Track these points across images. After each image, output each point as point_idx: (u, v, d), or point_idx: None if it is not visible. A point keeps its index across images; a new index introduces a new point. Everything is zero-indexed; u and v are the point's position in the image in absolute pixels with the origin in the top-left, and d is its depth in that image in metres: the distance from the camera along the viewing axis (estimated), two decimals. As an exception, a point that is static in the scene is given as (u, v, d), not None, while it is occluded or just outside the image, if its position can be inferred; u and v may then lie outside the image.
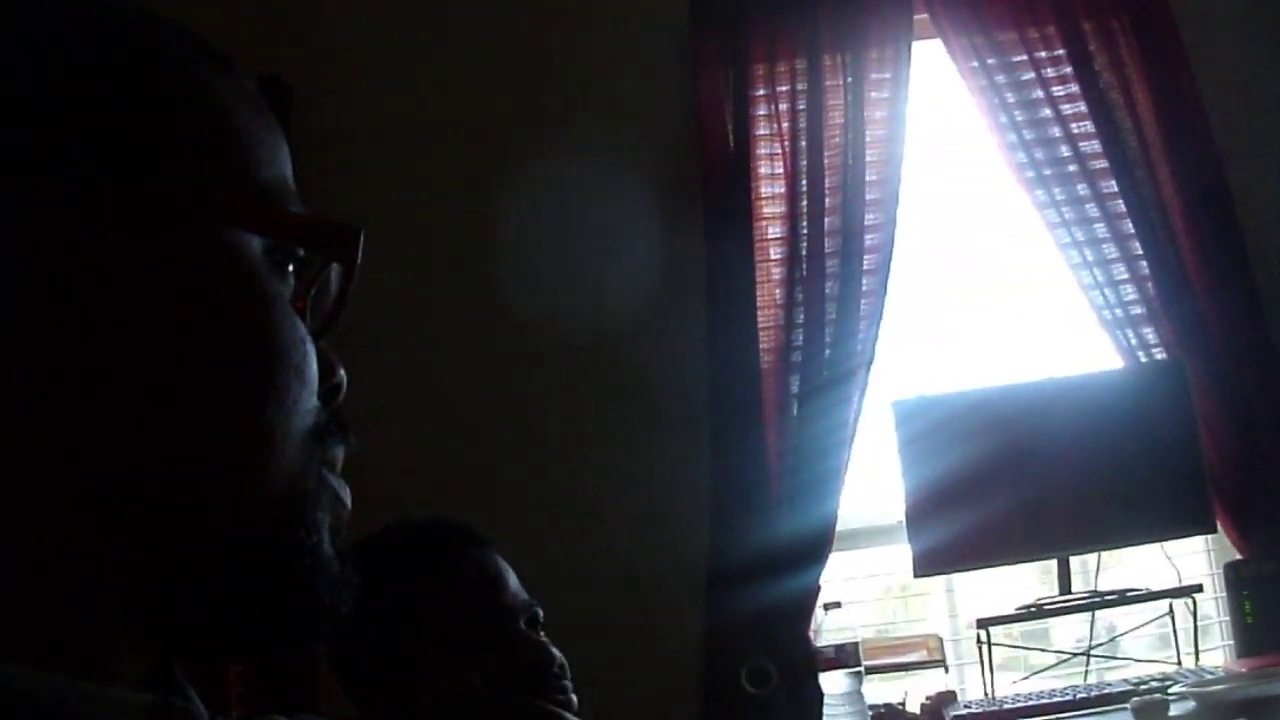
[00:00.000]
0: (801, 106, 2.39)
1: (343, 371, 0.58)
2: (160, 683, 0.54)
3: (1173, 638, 2.32)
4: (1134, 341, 2.47)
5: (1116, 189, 2.46)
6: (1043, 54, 2.54)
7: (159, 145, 0.51)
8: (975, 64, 2.50)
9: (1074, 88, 2.52)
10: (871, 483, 2.49)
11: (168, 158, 0.51)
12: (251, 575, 0.52)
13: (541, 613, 1.32)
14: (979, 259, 2.66)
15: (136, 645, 0.51)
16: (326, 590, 0.54)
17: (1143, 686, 2.05)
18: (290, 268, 0.55)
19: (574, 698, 1.27)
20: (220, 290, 0.51)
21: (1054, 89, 2.53)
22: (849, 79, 2.40)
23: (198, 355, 0.50)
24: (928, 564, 2.36)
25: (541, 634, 1.31)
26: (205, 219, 0.52)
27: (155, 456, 0.49)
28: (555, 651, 1.29)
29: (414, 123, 2.55)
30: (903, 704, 2.42)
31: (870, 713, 2.35)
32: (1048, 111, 2.52)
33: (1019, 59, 2.53)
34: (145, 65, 0.52)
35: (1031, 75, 2.53)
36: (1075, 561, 2.40)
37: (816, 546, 2.29)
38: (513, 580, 1.33)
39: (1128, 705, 1.88)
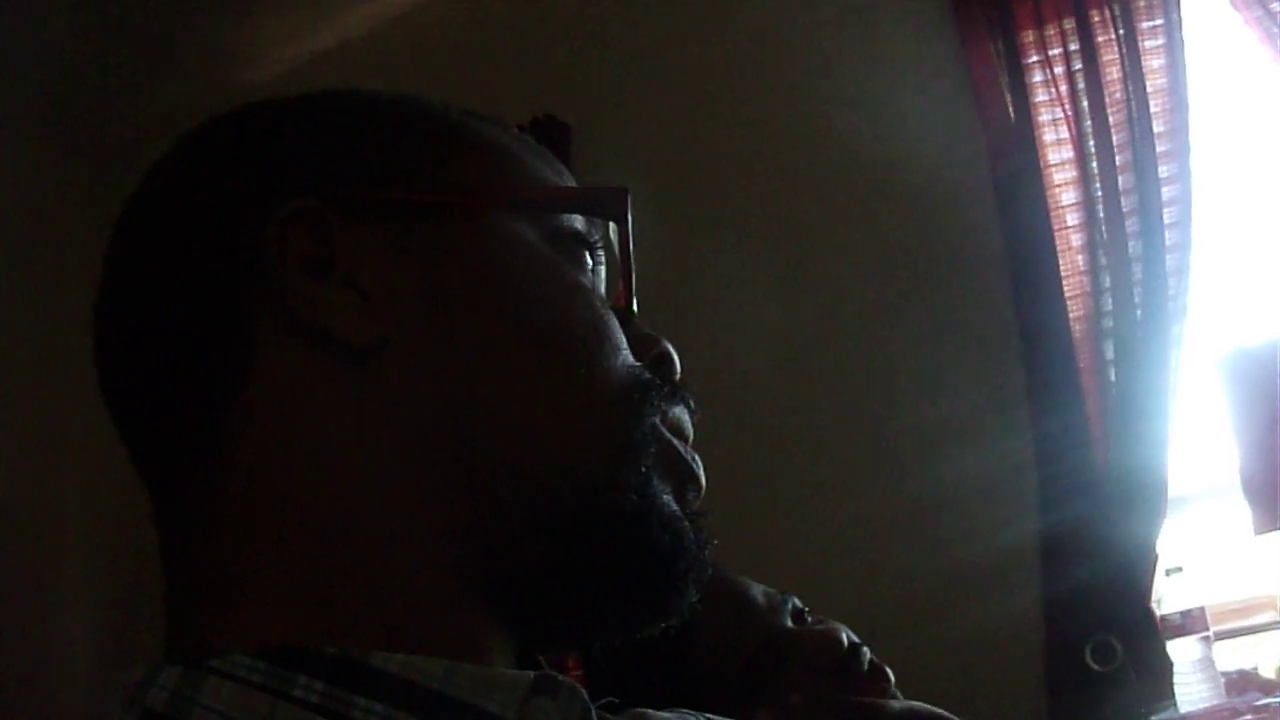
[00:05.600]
0: (1077, 67, 2.32)
1: (666, 344, 0.59)
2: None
3: None
4: None
5: None
6: (1316, -29, 2.41)
7: (439, 159, 0.56)
8: (1247, -7, 2.39)
9: (1356, 1, 2.38)
10: (1203, 443, 2.40)
11: (443, 169, 0.56)
12: (582, 546, 0.52)
13: (798, 601, 1.22)
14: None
15: (500, 639, 0.52)
16: (671, 557, 0.53)
17: None
18: (585, 256, 0.58)
19: (887, 670, 1.17)
20: (505, 271, 0.54)
21: (1335, 6, 2.40)
22: (1121, 31, 2.32)
23: (494, 332, 0.53)
24: (1268, 520, 2.26)
25: (809, 618, 1.21)
26: (480, 211, 0.55)
27: (476, 432, 0.51)
28: (835, 631, 1.18)
29: (689, 155, 2.56)
30: (1255, 668, 2.32)
31: (1223, 679, 2.26)
32: (1332, 31, 2.38)
33: (1292, -19, 2.40)
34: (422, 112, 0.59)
35: (1309, -5, 2.40)
36: None
37: (1150, 512, 2.21)
38: (755, 588, 1.22)
39: None
